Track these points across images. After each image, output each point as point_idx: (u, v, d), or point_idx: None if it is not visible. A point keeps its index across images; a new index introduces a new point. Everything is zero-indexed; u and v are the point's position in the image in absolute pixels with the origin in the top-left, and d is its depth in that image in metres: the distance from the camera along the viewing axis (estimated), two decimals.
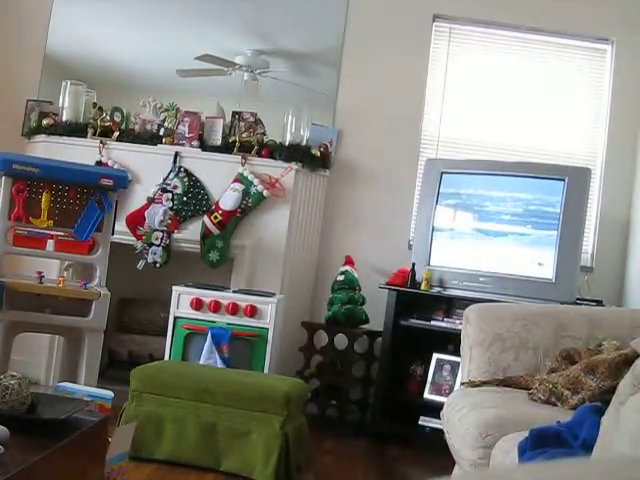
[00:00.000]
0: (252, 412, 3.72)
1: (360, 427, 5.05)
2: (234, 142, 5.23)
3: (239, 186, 5.13)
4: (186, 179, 5.20)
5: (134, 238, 5.10)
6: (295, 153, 5.22)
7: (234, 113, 5.38)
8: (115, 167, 5.08)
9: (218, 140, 5.27)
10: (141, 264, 5.10)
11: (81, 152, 5.07)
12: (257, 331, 4.62)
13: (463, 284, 4.90)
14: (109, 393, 3.05)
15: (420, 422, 4.79)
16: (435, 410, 3.94)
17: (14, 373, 2.43)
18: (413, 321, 4.97)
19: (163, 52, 5.74)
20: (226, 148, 5.24)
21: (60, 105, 5.33)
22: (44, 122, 5.29)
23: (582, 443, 2.09)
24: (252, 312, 4.63)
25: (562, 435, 2.16)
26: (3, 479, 1.89)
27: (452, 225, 5.14)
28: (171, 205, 5.14)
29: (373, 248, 5.51)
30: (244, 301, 4.68)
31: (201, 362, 4.50)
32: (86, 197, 4.10)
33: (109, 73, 5.70)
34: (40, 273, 4.04)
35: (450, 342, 4.83)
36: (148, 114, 5.35)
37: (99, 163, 5.15)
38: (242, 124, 5.34)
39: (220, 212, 5.12)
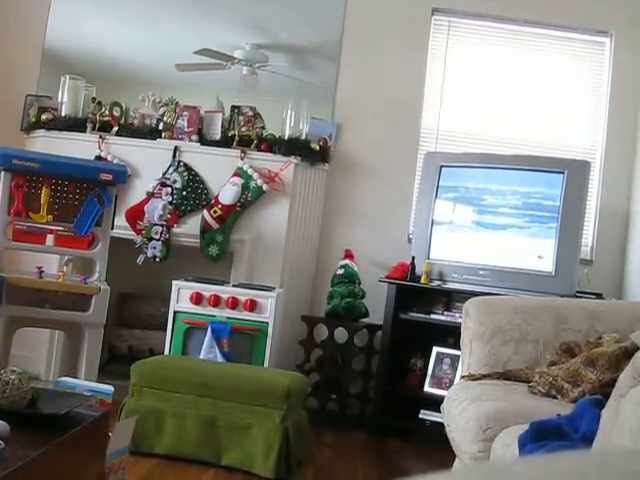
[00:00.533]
0: (252, 406, 3.72)
1: (360, 421, 5.05)
2: (233, 136, 5.23)
3: (238, 180, 5.13)
4: (185, 173, 5.20)
5: (134, 233, 5.09)
6: (294, 147, 5.22)
7: (233, 107, 5.38)
8: (114, 162, 5.07)
9: (217, 134, 5.27)
10: (141, 259, 5.09)
11: (80, 147, 5.07)
12: (257, 325, 4.63)
13: (463, 277, 4.90)
14: (109, 388, 3.05)
15: (420, 415, 4.79)
16: (435, 403, 3.94)
17: (14, 368, 2.43)
18: (413, 314, 4.97)
19: (162, 46, 5.73)
20: (225, 142, 5.24)
21: (59, 100, 5.32)
22: (43, 117, 5.29)
23: (582, 436, 2.09)
24: (252, 306, 4.64)
25: (562, 428, 2.16)
26: (3, 474, 1.89)
27: (452, 218, 5.14)
28: (170, 199, 5.14)
29: (373, 242, 5.51)
30: (244, 295, 4.69)
31: (201, 356, 4.50)
32: (85, 192, 4.10)
33: (108, 68, 5.69)
34: (40, 268, 4.04)
35: (450, 335, 4.83)
36: (147, 108, 5.34)
37: (98, 158, 5.14)
38: (241, 118, 5.34)
39: (219, 206, 5.12)
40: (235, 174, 5.15)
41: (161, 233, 5.10)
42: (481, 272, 4.86)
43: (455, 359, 4.75)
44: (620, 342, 2.84)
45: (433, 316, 4.95)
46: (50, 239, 4.19)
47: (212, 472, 3.64)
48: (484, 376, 3.07)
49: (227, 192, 5.12)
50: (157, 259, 5.11)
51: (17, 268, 4.37)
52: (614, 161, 5.53)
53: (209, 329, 4.55)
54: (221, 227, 5.13)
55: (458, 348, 3.63)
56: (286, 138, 5.24)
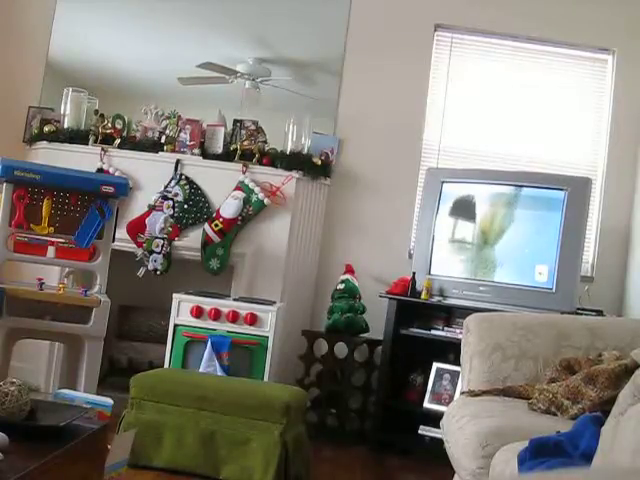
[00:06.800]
0: (252, 420, 3.71)
1: (360, 436, 5.04)
2: (235, 150, 5.24)
3: (240, 194, 5.13)
4: (187, 187, 5.21)
5: (135, 245, 5.10)
6: (296, 161, 5.23)
7: (235, 121, 5.39)
8: (116, 174, 5.08)
9: (219, 148, 5.28)
10: (141, 271, 5.10)
11: (82, 159, 5.08)
12: (257, 339, 4.62)
13: (463, 293, 4.89)
14: (108, 400, 3.05)
15: (420, 431, 4.78)
16: (435, 419, 3.93)
17: (14, 380, 2.42)
18: (413, 330, 4.97)
19: (165, 60, 5.75)
20: (227, 156, 5.25)
21: (62, 112, 5.34)
22: (46, 129, 5.30)
23: (582, 453, 2.09)
24: (252, 320, 4.63)
25: (562, 445, 2.16)
26: None
27: (453, 234, 5.14)
28: (172, 212, 5.14)
29: (374, 257, 5.51)
30: (244, 309, 4.68)
31: (201, 370, 4.50)
32: (87, 204, 4.10)
33: (111, 80, 5.71)
34: (40, 280, 4.04)
35: (450, 351, 4.83)
36: (150, 121, 5.35)
37: (100, 170, 5.15)
38: (243, 132, 5.35)
39: (221, 220, 5.12)
40: (237, 188, 5.15)
41: (162, 246, 5.10)
42: (481, 288, 4.86)
43: (455, 375, 4.75)
44: (620, 359, 2.83)
45: (433, 332, 4.94)
46: (51, 251, 4.19)
47: None
48: (484, 392, 3.06)
49: (229, 206, 5.12)
50: (158, 272, 5.11)
51: (18, 279, 4.37)
52: (615, 178, 5.53)
53: (209, 343, 4.55)
54: (222, 241, 5.13)
55: (458, 364, 3.62)
56: (288, 152, 5.26)
